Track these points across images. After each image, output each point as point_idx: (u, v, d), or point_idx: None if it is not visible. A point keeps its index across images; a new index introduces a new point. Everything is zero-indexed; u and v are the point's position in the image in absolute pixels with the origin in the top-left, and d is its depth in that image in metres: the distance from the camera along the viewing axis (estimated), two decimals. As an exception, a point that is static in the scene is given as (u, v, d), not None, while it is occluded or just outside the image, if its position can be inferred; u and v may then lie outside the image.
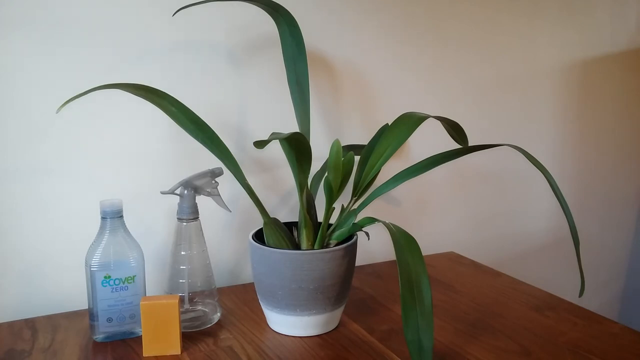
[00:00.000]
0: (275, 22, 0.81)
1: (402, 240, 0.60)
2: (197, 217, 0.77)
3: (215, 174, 0.77)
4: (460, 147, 0.72)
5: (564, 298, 0.88)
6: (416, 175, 0.73)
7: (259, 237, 0.77)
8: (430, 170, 0.73)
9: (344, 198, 0.80)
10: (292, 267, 0.70)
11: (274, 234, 0.74)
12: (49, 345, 0.71)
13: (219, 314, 0.79)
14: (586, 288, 1.36)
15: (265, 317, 0.79)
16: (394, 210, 1.10)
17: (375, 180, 0.73)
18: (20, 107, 0.78)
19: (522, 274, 1.26)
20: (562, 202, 0.68)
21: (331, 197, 0.71)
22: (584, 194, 1.35)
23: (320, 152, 0.96)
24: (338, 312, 0.76)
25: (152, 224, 0.89)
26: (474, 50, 1.12)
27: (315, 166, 0.85)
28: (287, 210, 0.99)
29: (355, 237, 0.75)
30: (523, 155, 0.67)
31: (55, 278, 0.84)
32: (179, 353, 0.69)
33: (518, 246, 1.28)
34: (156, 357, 0.69)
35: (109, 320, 0.71)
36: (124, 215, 0.73)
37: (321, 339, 0.74)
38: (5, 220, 0.80)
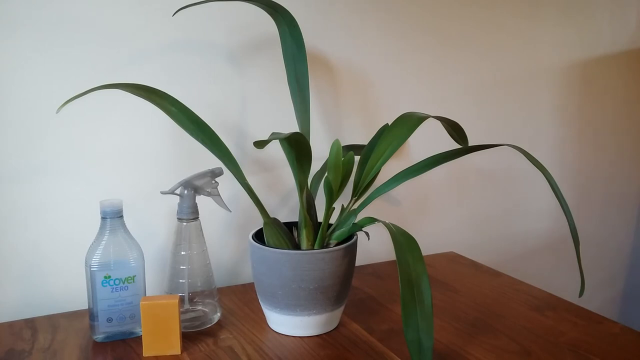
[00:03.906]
0: (275, 22, 0.81)
1: (402, 240, 0.60)
2: (197, 217, 0.77)
3: (215, 174, 0.77)
4: (460, 147, 0.72)
5: (564, 298, 0.88)
6: (416, 175, 0.73)
7: (259, 237, 0.77)
8: (430, 170, 0.73)
9: (344, 198, 0.80)
10: (292, 267, 0.70)
11: (274, 234, 0.74)
12: (49, 345, 0.71)
13: (219, 314, 0.79)
14: (586, 288, 1.36)
15: (265, 317, 0.79)
16: (394, 210, 1.10)
17: (375, 180, 0.73)
18: (20, 107, 0.78)
19: (522, 274, 1.26)
20: (562, 202, 0.68)
21: (331, 197, 0.71)
22: (584, 194, 1.35)
23: (320, 152, 0.96)
24: (338, 312, 0.76)
25: (152, 224, 0.89)
26: (474, 50, 1.12)
27: (315, 166, 0.85)
28: (287, 210, 0.99)
29: (355, 237, 0.75)
30: (523, 155, 0.67)
31: (55, 278, 0.84)
32: (179, 353, 0.69)
33: (518, 246, 1.28)
34: (156, 357, 0.69)
35: (109, 320, 0.71)
36: (124, 215, 0.73)
37: (321, 339, 0.74)
38: (5, 221, 0.80)
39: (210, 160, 0.81)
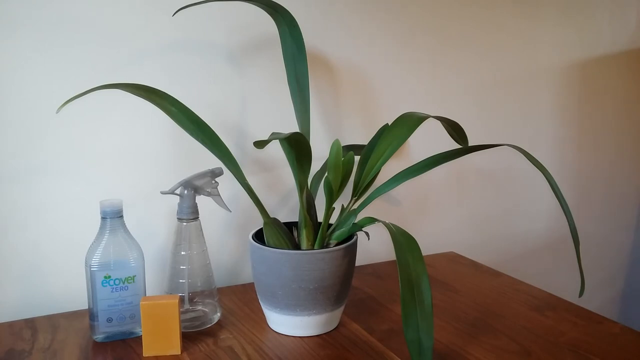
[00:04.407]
0: (275, 22, 0.81)
1: (402, 240, 0.60)
2: (197, 217, 0.77)
3: (215, 174, 0.77)
4: (460, 147, 0.72)
5: (564, 298, 0.88)
6: (416, 175, 0.73)
7: (259, 237, 0.77)
8: (430, 170, 0.73)
9: (344, 198, 0.80)
10: (292, 267, 0.70)
11: (274, 234, 0.74)
12: (49, 345, 0.71)
13: (219, 314, 0.79)
14: (586, 288, 1.36)
15: (265, 317, 0.79)
16: (394, 210, 1.10)
17: (375, 180, 0.73)
18: (20, 107, 0.78)
19: (522, 274, 1.25)
20: (562, 202, 0.68)
21: (331, 197, 0.71)
22: (584, 194, 1.35)
23: (320, 152, 0.96)
24: (338, 312, 0.76)
25: (152, 224, 0.89)
26: (474, 50, 1.12)
27: (315, 166, 0.85)
28: (287, 210, 0.99)
29: (355, 237, 0.75)
30: (523, 155, 0.67)
31: (55, 278, 0.84)
32: (179, 353, 0.69)
33: (518, 246, 1.28)
34: (156, 357, 0.69)
35: (109, 320, 0.71)
36: (123, 215, 0.73)
37: (321, 339, 0.74)
38: (5, 221, 0.80)
39: (210, 160, 0.81)
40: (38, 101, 0.79)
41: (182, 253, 0.76)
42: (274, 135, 0.61)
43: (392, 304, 0.86)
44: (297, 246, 0.77)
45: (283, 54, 0.81)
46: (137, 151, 0.86)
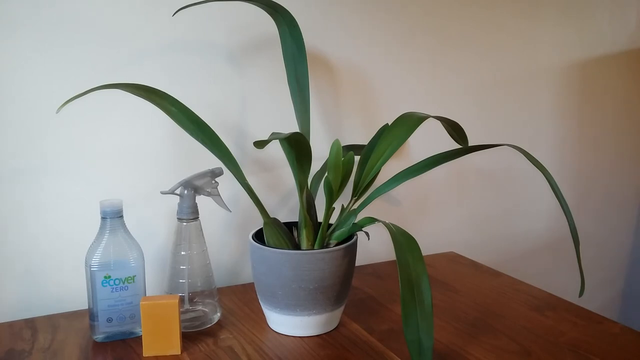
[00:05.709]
0: (275, 22, 0.81)
1: (402, 240, 0.60)
2: (197, 217, 0.77)
3: (215, 174, 0.77)
4: (460, 147, 0.72)
5: (564, 298, 0.88)
6: (416, 175, 0.73)
7: (259, 237, 0.77)
8: (430, 170, 0.73)
9: (344, 198, 0.80)
10: (292, 267, 0.70)
11: (274, 234, 0.74)
12: (49, 345, 0.71)
13: (219, 314, 0.79)
14: (586, 288, 1.36)
15: (265, 317, 0.79)
16: (394, 210, 1.10)
17: (375, 180, 0.73)
18: (20, 107, 0.78)
19: (522, 274, 1.25)
20: (562, 202, 0.68)
21: (331, 197, 0.71)
22: (584, 194, 1.35)
23: (320, 152, 0.96)
24: (338, 312, 0.76)
25: (152, 224, 0.89)
26: (474, 50, 1.12)
27: (315, 166, 0.85)
28: (287, 210, 0.99)
29: (355, 237, 0.75)
30: (523, 155, 0.67)
31: (55, 278, 0.84)
32: (179, 353, 0.69)
33: (518, 246, 1.28)
34: (156, 357, 0.69)
35: (109, 320, 0.71)
36: (124, 215, 0.73)
37: (321, 339, 0.74)
38: (5, 220, 0.80)
39: (210, 160, 0.81)
40: (38, 101, 0.79)
41: (182, 253, 0.76)
42: (274, 135, 0.61)
43: (392, 304, 0.86)
44: (297, 246, 0.77)
45: (283, 54, 0.81)
46: (137, 151, 0.86)
